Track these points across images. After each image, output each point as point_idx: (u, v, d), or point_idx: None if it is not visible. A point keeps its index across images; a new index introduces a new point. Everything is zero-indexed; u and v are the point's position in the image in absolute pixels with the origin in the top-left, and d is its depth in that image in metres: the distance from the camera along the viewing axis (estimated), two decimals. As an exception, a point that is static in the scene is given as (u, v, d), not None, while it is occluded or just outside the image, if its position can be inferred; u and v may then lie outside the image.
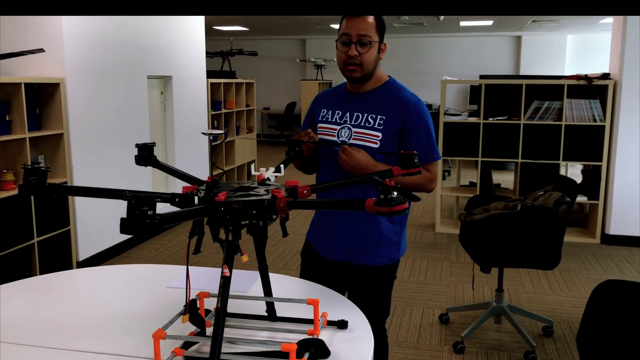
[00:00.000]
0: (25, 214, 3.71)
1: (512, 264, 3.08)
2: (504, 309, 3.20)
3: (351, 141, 1.89)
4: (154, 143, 1.55)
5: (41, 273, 3.80)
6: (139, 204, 0.84)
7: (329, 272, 2.02)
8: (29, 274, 3.77)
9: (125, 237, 4.85)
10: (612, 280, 1.70)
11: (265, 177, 1.38)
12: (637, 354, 1.57)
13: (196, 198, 1.23)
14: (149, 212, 0.85)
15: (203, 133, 1.22)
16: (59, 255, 4.06)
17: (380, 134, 1.88)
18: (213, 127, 6.81)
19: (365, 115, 1.91)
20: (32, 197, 3.72)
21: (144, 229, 0.85)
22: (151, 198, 0.86)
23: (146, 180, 5.16)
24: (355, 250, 1.97)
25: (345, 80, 2.01)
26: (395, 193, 1.03)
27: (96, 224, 4.47)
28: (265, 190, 1.28)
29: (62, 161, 4.05)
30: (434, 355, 3.04)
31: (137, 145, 1.52)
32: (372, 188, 1.90)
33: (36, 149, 4.00)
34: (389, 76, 2.00)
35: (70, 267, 4.15)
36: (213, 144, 6.79)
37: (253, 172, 1.38)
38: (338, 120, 1.95)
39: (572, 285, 4.07)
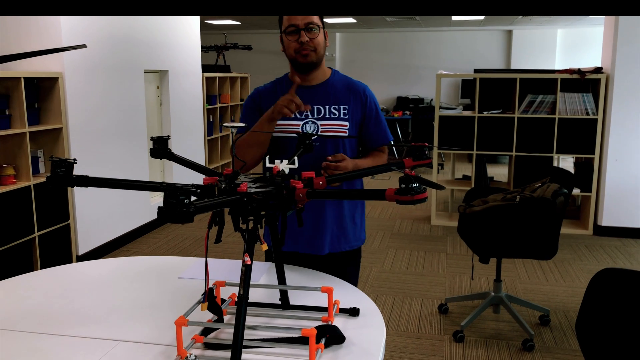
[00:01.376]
0: (26, 209, 3.72)
1: (511, 254, 3.13)
2: (502, 299, 3.27)
3: (320, 134, 1.94)
4: (168, 136, 1.57)
5: (42, 267, 3.82)
6: (176, 194, 0.88)
7: (315, 268, 1.93)
8: (30, 268, 3.78)
9: (124, 231, 4.87)
10: (609, 268, 1.76)
11: (280, 169, 1.42)
12: (633, 340, 1.62)
13: (216, 189, 1.26)
14: (185, 201, 0.89)
15: (225, 126, 1.26)
16: (59, 250, 4.07)
17: (347, 123, 1.97)
18: (209, 121, 6.82)
19: (327, 107, 1.97)
20: (32, 191, 3.73)
21: (180, 216, 0.89)
22: (187, 188, 0.90)
23: (143, 173, 5.18)
24: (340, 238, 2.04)
25: (284, 75, 2.06)
26: (416, 183, 1.07)
27: (96, 218, 4.49)
28: (283, 182, 1.31)
29: (60, 155, 4.05)
30: (435, 344, 3.10)
31: (152, 139, 1.55)
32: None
33: (35, 144, 4.01)
34: (330, 67, 2.07)
35: (70, 262, 4.17)
36: (208, 138, 6.80)
37: (267, 165, 1.41)
38: (298, 116, 1.95)
39: (566, 276, 4.15)
